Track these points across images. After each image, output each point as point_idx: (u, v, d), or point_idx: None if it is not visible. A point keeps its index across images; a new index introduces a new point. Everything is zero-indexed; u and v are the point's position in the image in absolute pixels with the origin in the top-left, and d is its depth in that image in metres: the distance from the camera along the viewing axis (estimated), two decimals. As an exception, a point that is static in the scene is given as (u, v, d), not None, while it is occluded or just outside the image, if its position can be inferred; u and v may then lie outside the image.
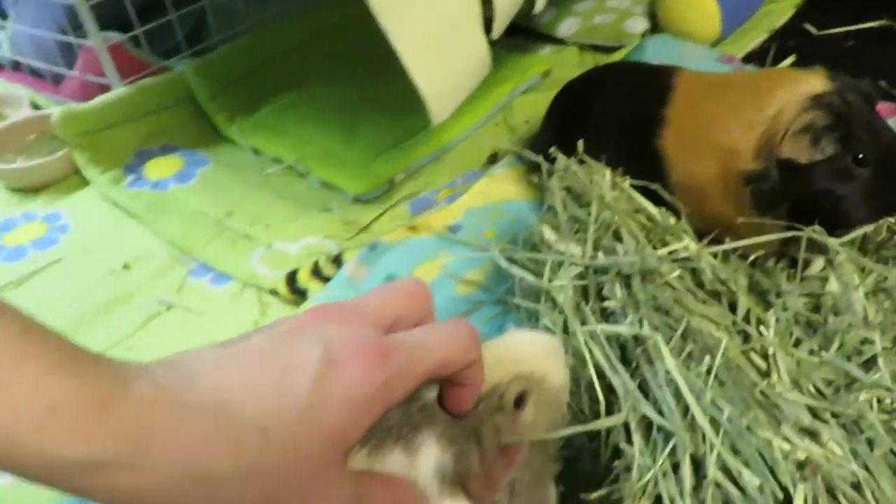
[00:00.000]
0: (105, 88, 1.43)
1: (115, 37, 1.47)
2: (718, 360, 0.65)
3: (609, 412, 0.70)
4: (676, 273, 0.73)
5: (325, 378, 0.44)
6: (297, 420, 0.43)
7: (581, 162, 0.90)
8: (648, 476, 0.62)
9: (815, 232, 0.80)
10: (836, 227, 0.82)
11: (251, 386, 0.43)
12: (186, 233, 1.22)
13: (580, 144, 0.91)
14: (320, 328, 0.47)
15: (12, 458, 0.39)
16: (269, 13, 1.71)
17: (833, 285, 0.81)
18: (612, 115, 1.05)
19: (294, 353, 0.45)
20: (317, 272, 1.10)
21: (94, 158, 1.35)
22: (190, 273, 1.17)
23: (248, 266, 1.14)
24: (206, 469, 0.41)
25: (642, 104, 1.00)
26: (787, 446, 0.60)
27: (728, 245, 0.81)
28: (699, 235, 0.90)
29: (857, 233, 0.84)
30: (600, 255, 0.77)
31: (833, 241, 0.80)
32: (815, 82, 0.85)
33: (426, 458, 0.58)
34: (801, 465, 0.60)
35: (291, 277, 1.10)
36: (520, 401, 0.63)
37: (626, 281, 0.74)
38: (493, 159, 1.29)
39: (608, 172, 0.87)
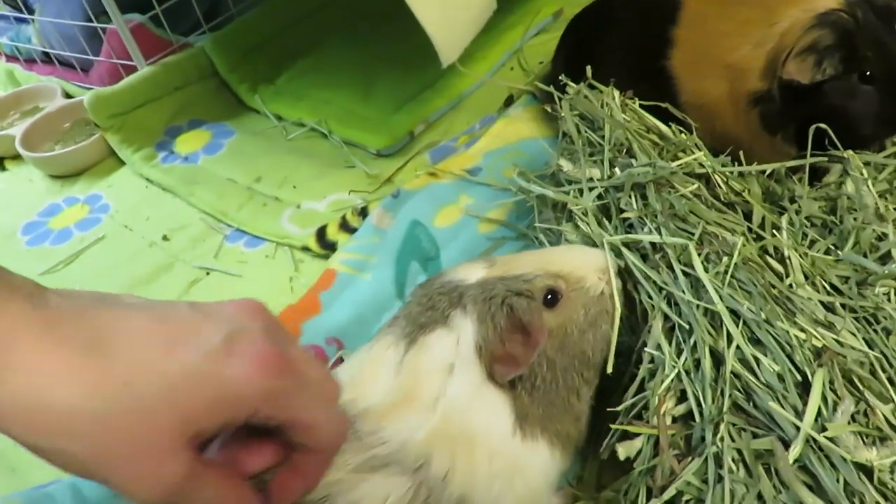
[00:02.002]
0: (131, 70, 1.48)
1: (136, 18, 1.51)
2: (735, 259, 0.66)
3: (633, 323, 0.72)
4: (694, 186, 0.73)
5: (209, 364, 0.44)
6: (162, 387, 0.43)
7: (591, 87, 0.90)
8: (672, 375, 0.64)
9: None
10: (845, 145, 0.81)
11: (138, 341, 0.44)
12: (219, 201, 1.27)
13: (588, 70, 0.91)
14: (240, 318, 0.47)
15: None
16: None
17: (849, 186, 0.81)
18: (622, 39, 1.05)
19: (198, 329, 0.45)
20: (345, 225, 1.14)
21: (127, 139, 1.40)
22: (225, 239, 1.22)
23: (279, 227, 1.18)
24: (52, 399, 0.40)
25: (650, 25, 1.00)
26: (803, 335, 0.61)
27: (740, 168, 0.82)
28: (712, 153, 0.90)
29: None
30: (616, 171, 0.78)
31: (846, 152, 0.80)
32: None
33: (465, 335, 0.62)
34: (818, 353, 0.61)
35: (321, 233, 1.14)
36: (553, 299, 0.66)
37: (642, 193, 0.75)
38: (509, 102, 1.30)
39: (617, 94, 0.88)
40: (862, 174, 0.79)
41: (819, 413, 0.57)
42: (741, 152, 0.89)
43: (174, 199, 1.33)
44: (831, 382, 0.59)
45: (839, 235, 0.79)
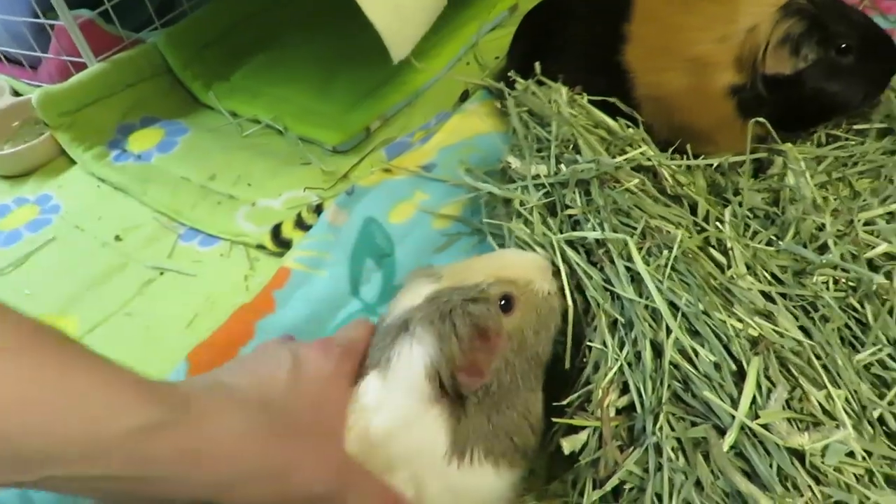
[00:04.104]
0: (81, 67, 1.45)
1: (85, 14, 1.48)
2: (675, 252, 0.68)
3: (578, 320, 0.73)
4: (635, 181, 0.75)
5: (294, 369, 0.65)
6: (280, 394, 0.62)
7: (540, 83, 0.91)
8: (615, 368, 0.65)
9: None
10: (833, 116, 0.87)
11: (251, 380, 0.63)
12: (173, 199, 1.25)
13: (538, 66, 0.92)
14: (291, 346, 0.69)
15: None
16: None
17: (790, 178, 0.83)
18: (576, 34, 1.06)
19: (273, 359, 0.66)
20: (300, 223, 1.13)
21: (77, 137, 1.38)
22: (179, 238, 1.21)
23: (234, 225, 1.17)
24: (228, 431, 0.55)
25: (604, 21, 1.01)
26: (740, 325, 0.63)
27: (687, 162, 0.84)
28: (667, 146, 0.92)
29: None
30: (563, 168, 0.79)
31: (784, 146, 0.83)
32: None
33: (411, 364, 0.63)
34: (754, 343, 0.63)
35: (276, 231, 1.13)
36: (508, 304, 0.67)
37: (587, 189, 0.76)
38: (465, 97, 1.30)
39: (565, 90, 0.89)
40: (801, 166, 0.81)
41: (754, 401, 0.59)
42: (689, 146, 0.91)
43: (127, 199, 1.31)
44: (767, 370, 0.61)
45: (780, 226, 0.81)
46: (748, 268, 0.75)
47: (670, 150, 0.90)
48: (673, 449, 0.59)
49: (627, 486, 0.60)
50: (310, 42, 1.53)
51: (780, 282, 0.75)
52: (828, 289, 0.74)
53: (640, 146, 0.84)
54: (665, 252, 0.69)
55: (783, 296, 0.73)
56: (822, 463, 0.55)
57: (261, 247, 1.13)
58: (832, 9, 0.87)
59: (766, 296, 0.72)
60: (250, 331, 0.95)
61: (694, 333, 0.64)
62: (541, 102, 0.86)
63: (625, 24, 0.97)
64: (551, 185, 0.80)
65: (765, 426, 0.57)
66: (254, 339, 0.94)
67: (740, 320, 0.63)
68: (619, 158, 0.77)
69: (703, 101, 0.91)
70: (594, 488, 0.63)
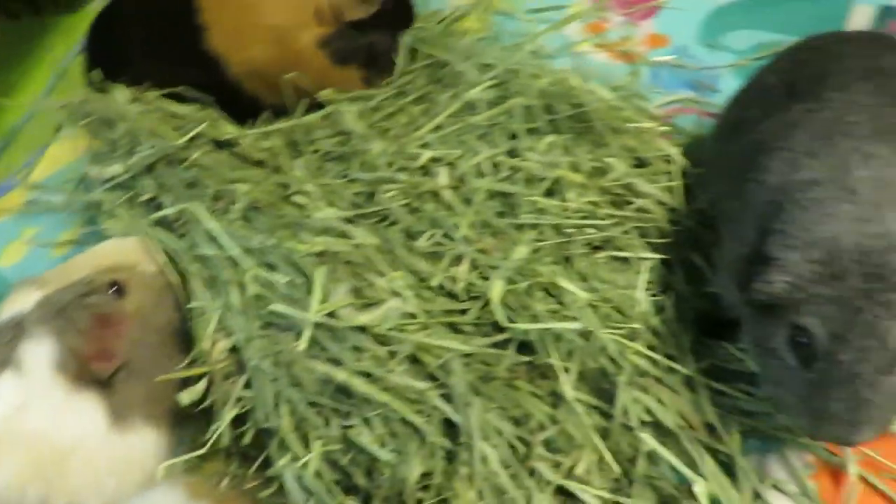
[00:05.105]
0: None
1: None
2: (241, 205, 0.77)
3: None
4: (196, 154, 0.82)
5: None
6: None
7: (102, 90, 0.94)
8: (215, 317, 0.73)
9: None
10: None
11: None
12: None
13: (98, 73, 0.95)
14: None
15: None
16: None
17: (346, 120, 0.96)
18: (153, 34, 1.09)
19: None
20: None
21: None
22: None
23: None
24: None
25: (175, 21, 1.06)
26: (305, 246, 0.74)
27: (258, 130, 0.93)
28: (279, 112, 1.02)
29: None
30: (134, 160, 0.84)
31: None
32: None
33: (37, 360, 0.65)
34: (320, 255, 0.74)
35: None
36: (119, 289, 0.71)
37: (159, 173, 0.82)
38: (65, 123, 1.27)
39: (126, 91, 0.93)
40: (349, 108, 0.95)
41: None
42: (268, 112, 1.01)
43: None
44: (335, 273, 0.72)
45: (348, 162, 0.94)
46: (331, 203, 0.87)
47: (263, 114, 1.00)
48: (273, 364, 0.69)
49: (243, 407, 0.68)
50: None
51: (357, 206, 0.88)
52: (393, 199, 0.88)
53: (215, 125, 0.92)
54: (234, 206, 0.77)
55: (364, 216, 0.86)
56: (382, 329, 0.68)
57: None
58: None
59: (349, 220, 0.84)
60: None
61: (271, 267, 0.74)
62: (105, 108, 0.90)
63: (198, 16, 1.04)
64: (131, 178, 0.84)
65: (333, 316, 0.68)
66: None
67: (304, 243, 0.74)
68: (182, 140, 0.84)
69: (298, 60, 1.02)
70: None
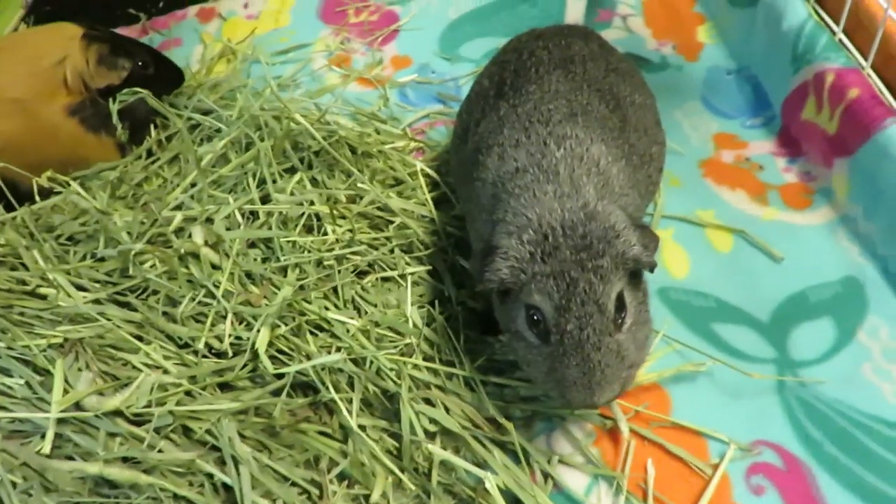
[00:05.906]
0: None
1: None
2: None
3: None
4: None
5: None
6: None
7: None
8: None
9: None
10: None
11: None
12: None
13: None
14: None
15: None
16: None
17: (82, 200, 0.91)
18: None
19: None
20: None
21: None
22: None
23: None
24: None
25: None
26: (42, 341, 0.68)
27: None
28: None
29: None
30: None
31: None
32: (70, 28, 1.02)
33: None
34: (62, 346, 0.69)
35: None
36: None
37: None
38: None
39: None
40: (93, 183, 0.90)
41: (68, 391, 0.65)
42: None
43: None
44: (78, 361, 0.67)
45: (98, 241, 0.89)
46: (78, 288, 0.81)
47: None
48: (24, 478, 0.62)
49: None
50: None
51: (113, 284, 0.83)
52: (153, 267, 0.84)
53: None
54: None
55: (120, 293, 0.81)
56: (137, 409, 0.64)
57: None
58: (117, 36, 1.08)
59: (98, 302, 0.79)
60: None
61: (5, 371, 0.67)
62: None
63: None
64: None
65: (78, 406, 0.63)
66: None
67: (40, 335, 0.69)
68: None
69: (47, 132, 1.00)
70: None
